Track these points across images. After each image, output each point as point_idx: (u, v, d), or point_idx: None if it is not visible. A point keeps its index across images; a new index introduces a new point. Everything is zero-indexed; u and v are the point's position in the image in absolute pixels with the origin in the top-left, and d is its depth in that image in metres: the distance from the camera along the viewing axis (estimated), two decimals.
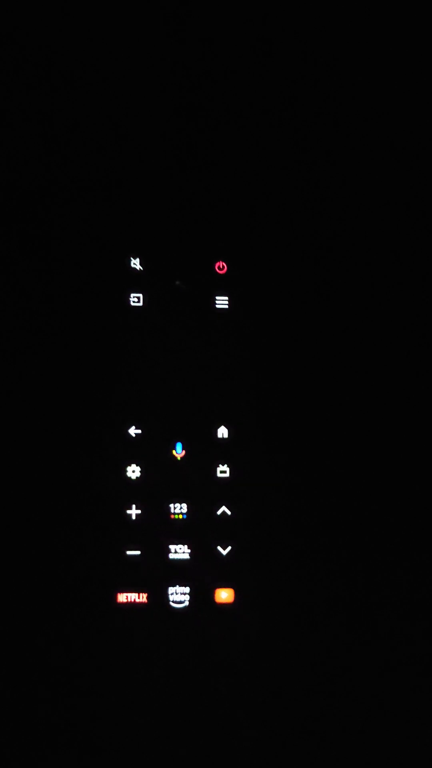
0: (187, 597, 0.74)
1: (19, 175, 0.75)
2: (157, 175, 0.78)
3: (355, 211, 0.80)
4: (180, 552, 0.75)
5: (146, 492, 0.75)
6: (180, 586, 0.74)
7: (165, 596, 0.74)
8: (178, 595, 0.74)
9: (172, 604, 0.74)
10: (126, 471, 0.75)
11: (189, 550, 0.75)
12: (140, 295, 0.77)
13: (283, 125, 0.79)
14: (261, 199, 0.80)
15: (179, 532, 0.75)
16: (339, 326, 0.79)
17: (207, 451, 0.76)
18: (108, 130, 0.77)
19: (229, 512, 0.76)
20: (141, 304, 0.78)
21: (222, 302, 0.78)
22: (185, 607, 0.74)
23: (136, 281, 0.78)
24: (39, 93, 0.76)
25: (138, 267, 0.78)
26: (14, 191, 0.75)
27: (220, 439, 0.77)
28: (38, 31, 0.76)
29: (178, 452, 0.76)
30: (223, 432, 0.77)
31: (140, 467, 0.75)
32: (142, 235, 0.78)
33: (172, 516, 0.75)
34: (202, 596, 0.74)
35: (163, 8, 0.78)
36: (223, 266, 0.79)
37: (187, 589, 0.74)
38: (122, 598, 0.73)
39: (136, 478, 0.75)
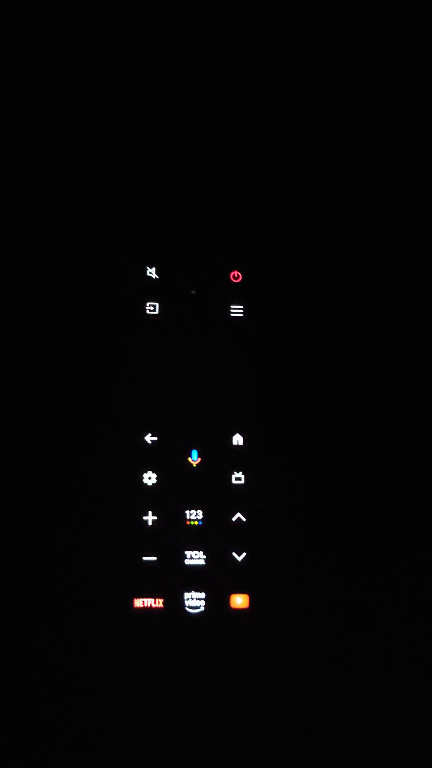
0: (203, 603, 0.75)
1: (32, 183, 0.76)
2: (174, 184, 0.79)
3: (371, 222, 0.81)
4: (195, 558, 0.75)
5: (162, 499, 0.76)
6: (195, 591, 0.75)
7: (181, 602, 0.75)
8: (194, 601, 0.75)
9: (187, 609, 0.75)
10: (142, 478, 0.76)
11: (204, 557, 0.75)
12: (156, 304, 0.78)
13: (286, 127, 0.80)
14: (276, 208, 0.80)
15: (195, 538, 0.76)
16: (354, 335, 0.80)
17: (222, 459, 0.77)
18: (109, 131, 0.78)
19: (244, 519, 0.76)
20: (157, 312, 0.78)
21: (237, 311, 0.79)
22: (200, 612, 0.75)
23: (152, 290, 0.78)
24: (39, 93, 0.77)
25: (154, 276, 0.79)
26: (28, 201, 0.76)
27: (235, 446, 0.77)
28: (38, 31, 0.76)
29: (194, 459, 0.77)
30: (238, 439, 0.77)
31: (156, 474, 0.76)
32: (159, 244, 0.79)
33: (188, 522, 0.76)
34: (217, 602, 0.75)
35: (163, 8, 0.78)
36: (239, 275, 0.80)
37: (202, 595, 0.75)
38: (138, 603, 0.74)
39: (152, 485, 0.76)
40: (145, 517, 0.75)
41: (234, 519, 0.76)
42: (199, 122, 0.79)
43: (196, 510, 0.76)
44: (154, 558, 0.75)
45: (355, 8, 0.78)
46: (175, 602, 0.75)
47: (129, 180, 0.78)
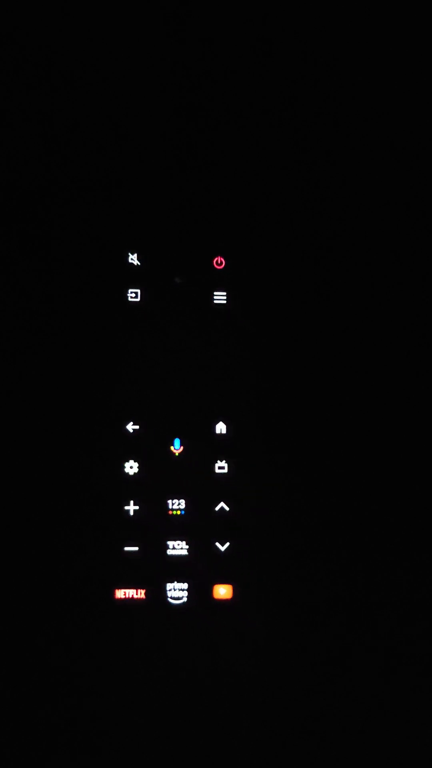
0: (186, 593, 0.74)
1: (17, 171, 0.76)
2: (156, 171, 0.78)
3: (355, 209, 0.80)
4: (178, 548, 0.75)
5: (144, 488, 0.75)
6: (178, 582, 0.74)
7: (163, 592, 0.74)
8: (176, 591, 0.74)
9: (170, 600, 0.74)
10: (124, 467, 0.75)
11: (187, 547, 0.75)
12: (138, 291, 0.77)
13: (282, 125, 0.79)
14: (260, 195, 0.79)
15: (177, 528, 0.75)
16: (338, 322, 0.78)
17: (205, 448, 0.76)
18: (107, 128, 0.77)
19: (227, 508, 0.76)
20: (139, 299, 0.77)
21: (220, 298, 0.78)
22: (183, 603, 0.74)
23: (134, 277, 0.77)
24: (39, 93, 0.76)
25: (136, 262, 0.78)
26: (12, 188, 0.75)
27: (218, 435, 0.76)
28: (38, 31, 0.76)
29: (177, 448, 0.76)
30: (221, 428, 0.76)
31: (138, 463, 0.75)
32: (141, 230, 0.78)
33: (171, 512, 0.75)
34: (200, 592, 0.74)
35: (163, 8, 0.77)
36: (222, 261, 0.79)
37: (185, 585, 0.74)
38: (120, 594, 0.73)
39: (134, 474, 0.75)
40: (126, 507, 0.75)
41: (217, 509, 0.76)
42: (198, 121, 0.78)
43: (178, 499, 0.75)
44: (136, 548, 0.74)
45: (355, 8, 0.78)
46: (157, 593, 0.74)
47: (110, 168, 0.77)
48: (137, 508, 0.75)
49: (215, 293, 0.78)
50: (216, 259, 0.79)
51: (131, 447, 0.75)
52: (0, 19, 0.76)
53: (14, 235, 0.76)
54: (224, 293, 0.78)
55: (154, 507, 0.75)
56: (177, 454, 0.76)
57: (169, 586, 0.74)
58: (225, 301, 0.78)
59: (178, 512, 0.75)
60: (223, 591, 0.74)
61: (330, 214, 0.79)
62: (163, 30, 0.77)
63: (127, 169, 0.78)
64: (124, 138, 0.78)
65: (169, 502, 0.75)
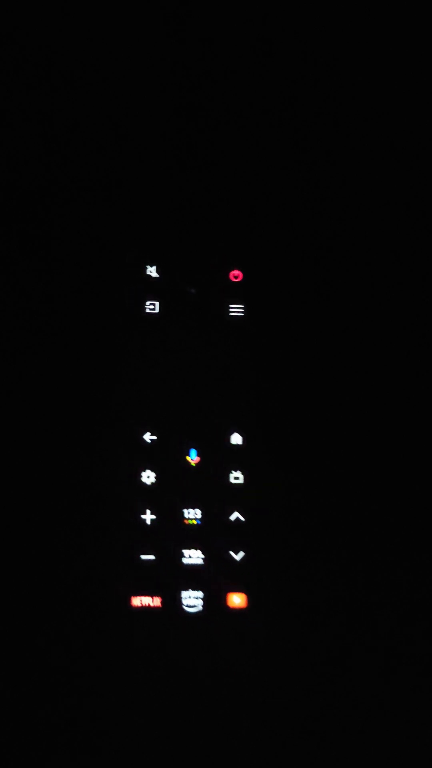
0: (200, 602, 0.75)
1: (33, 182, 0.77)
2: (175, 184, 0.79)
3: (372, 222, 0.81)
4: (193, 557, 0.75)
5: (160, 497, 0.76)
6: (193, 590, 0.75)
7: (178, 600, 0.75)
8: (191, 600, 0.75)
9: (185, 608, 0.75)
10: (141, 476, 0.76)
11: (202, 556, 0.75)
12: (156, 303, 0.78)
13: (285, 127, 0.80)
14: (277, 208, 0.80)
15: (193, 537, 0.76)
16: (353, 335, 0.79)
17: (221, 458, 0.77)
18: (113, 135, 0.78)
19: (242, 518, 0.76)
20: (157, 311, 0.78)
21: (237, 310, 0.79)
22: (198, 611, 0.75)
23: (152, 289, 0.79)
24: (40, 93, 0.77)
25: (154, 274, 0.79)
26: (30, 201, 0.77)
27: (233, 445, 0.77)
28: (38, 31, 0.77)
29: (193, 458, 0.77)
30: (237, 439, 0.78)
31: (155, 473, 0.76)
32: (159, 243, 0.79)
33: (186, 521, 0.76)
34: (214, 601, 0.75)
35: (163, 8, 0.78)
36: (239, 275, 0.80)
37: (200, 594, 0.75)
38: (136, 602, 0.74)
39: (151, 483, 0.76)
40: (143, 516, 0.75)
41: (232, 518, 0.76)
42: (199, 122, 0.79)
43: (194, 509, 0.76)
44: (152, 557, 0.75)
45: (355, 8, 0.78)
46: (172, 601, 0.75)
47: (130, 180, 0.79)
48: (153, 517, 0.76)
49: (231, 306, 0.79)
50: (233, 272, 0.80)
51: (148, 457, 0.76)
52: (0, 19, 0.77)
53: (37, 247, 0.77)
54: (241, 306, 0.79)
55: (170, 516, 0.76)
56: (193, 464, 0.77)
57: (184, 594, 0.75)
58: (242, 314, 0.79)
59: (194, 521, 0.76)
60: (237, 600, 0.75)
61: (347, 225, 0.80)
62: (163, 30, 0.78)
63: (148, 183, 0.79)
64: (140, 148, 0.79)
65: (185, 511, 0.76)
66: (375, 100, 0.79)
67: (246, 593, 0.75)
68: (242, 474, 0.77)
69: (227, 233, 0.80)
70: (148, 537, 0.75)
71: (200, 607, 0.75)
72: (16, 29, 0.76)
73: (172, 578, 0.75)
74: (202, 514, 0.76)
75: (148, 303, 0.78)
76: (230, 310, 0.79)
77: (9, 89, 0.76)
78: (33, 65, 0.76)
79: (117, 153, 0.78)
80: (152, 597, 0.74)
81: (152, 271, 0.79)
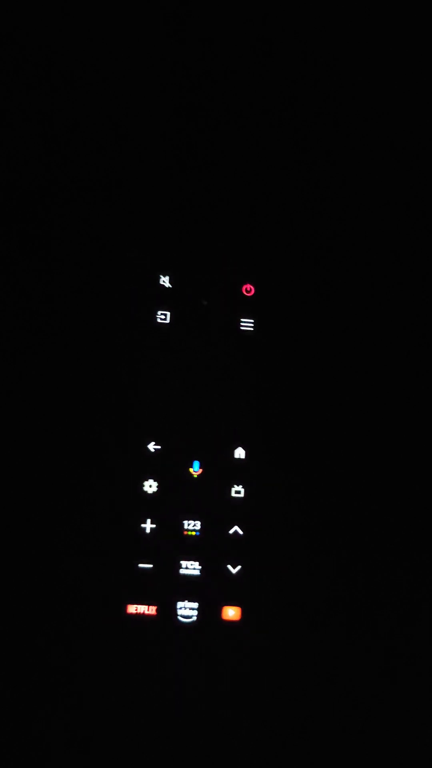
0: (195, 612, 0.76)
1: (43, 190, 0.77)
2: (191, 197, 0.79)
3: (383, 243, 0.81)
4: (191, 568, 0.76)
5: (161, 507, 0.77)
6: (189, 601, 0.76)
7: (173, 610, 0.75)
8: (187, 610, 0.76)
9: (179, 618, 0.76)
10: (143, 485, 0.77)
11: (200, 567, 0.76)
12: (167, 313, 0.79)
13: (286, 127, 0.79)
14: (290, 225, 0.80)
15: (191, 548, 0.77)
16: (359, 356, 0.80)
17: (223, 471, 0.78)
18: (113, 134, 0.78)
19: (241, 532, 0.77)
20: (168, 321, 0.79)
21: (247, 324, 0.80)
22: (192, 622, 0.76)
23: (164, 299, 0.79)
24: (40, 93, 0.77)
25: (167, 285, 0.79)
26: (41, 207, 0.77)
27: (236, 459, 0.78)
28: (38, 31, 0.76)
29: (195, 470, 0.77)
30: (240, 453, 0.78)
31: (157, 483, 0.77)
32: (173, 253, 0.79)
33: (185, 532, 0.77)
34: (209, 613, 0.76)
35: (163, 8, 0.78)
36: (251, 289, 0.80)
37: (195, 605, 0.76)
38: (132, 609, 0.75)
39: (153, 493, 0.77)
40: (143, 525, 0.76)
41: (231, 531, 0.77)
42: (199, 121, 0.78)
43: (194, 520, 0.77)
44: (150, 565, 0.76)
45: (355, 8, 0.78)
46: (167, 610, 0.75)
47: (146, 191, 0.79)
48: (153, 526, 0.76)
49: (242, 320, 0.80)
50: (245, 286, 0.80)
51: (151, 466, 0.77)
52: (0, 19, 0.76)
53: (49, 253, 0.77)
54: (251, 320, 0.80)
55: (170, 526, 0.77)
56: (195, 476, 0.77)
57: (179, 604, 0.76)
58: (252, 328, 0.80)
59: (193, 533, 0.77)
60: (232, 612, 0.76)
61: (360, 252, 0.80)
62: (163, 30, 0.78)
63: (164, 195, 0.79)
64: (159, 164, 0.79)
65: (185, 522, 0.77)
66: (375, 100, 0.79)
67: (240, 606, 0.76)
68: (243, 488, 0.78)
69: (241, 247, 0.80)
70: (146, 546, 0.76)
71: (195, 618, 0.76)
72: (16, 29, 0.75)
73: (169, 588, 0.76)
74: (201, 525, 0.77)
75: (159, 312, 0.79)
76: (241, 324, 0.80)
77: (9, 89, 0.75)
78: (33, 65, 0.76)
79: (121, 149, 0.78)
80: (147, 605, 0.75)
81: (165, 281, 0.79)
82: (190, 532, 0.77)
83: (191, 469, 0.77)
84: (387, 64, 0.80)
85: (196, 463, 0.77)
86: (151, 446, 0.77)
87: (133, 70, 0.77)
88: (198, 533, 0.77)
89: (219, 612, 0.76)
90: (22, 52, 0.76)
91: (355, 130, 0.80)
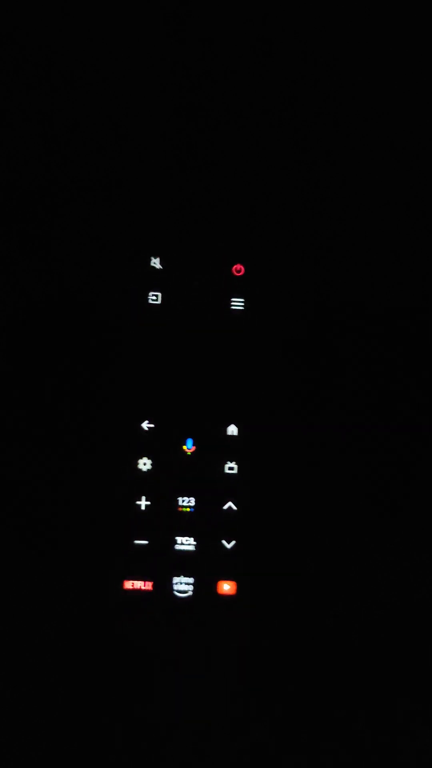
0: (191, 587, 0.77)
1: (37, 178, 0.79)
2: (179, 180, 0.81)
3: (371, 220, 0.82)
4: (186, 544, 0.77)
5: (156, 484, 0.78)
6: (184, 576, 0.77)
7: (169, 585, 0.77)
8: (182, 585, 0.77)
9: (175, 593, 0.77)
10: (138, 463, 0.78)
11: (194, 543, 0.77)
12: (159, 294, 0.80)
13: (286, 126, 0.81)
14: (279, 205, 0.82)
15: (186, 524, 0.78)
16: (351, 332, 0.81)
17: (216, 448, 0.79)
18: (116, 134, 0.80)
19: (234, 507, 0.78)
20: (159, 302, 0.80)
21: (238, 304, 0.81)
22: (188, 596, 0.77)
23: (155, 280, 0.80)
24: (40, 93, 0.79)
25: (158, 266, 0.81)
26: (33, 192, 0.79)
27: (229, 436, 0.79)
28: (38, 31, 0.78)
29: (189, 447, 0.79)
30: (232, 430, 0.79)
31: (151, 460, 0.78)
32: (163, 235, 0.81)
33: (180, 509, 0.78)
34: (205, 587, 0.77)
35: (163, 8, 0.79)
36: (241, 269, 0.81)
37: (191, 580, 0.77)
38: (128, 585, 0.76)
39: (147, 470, 0.78)
40: (138, 502, 0.77)
41: (225, 507, 0.78)
42: (200, 120, 0.80)
43: (188, 497, 0.78)
44: (146, 542, 0.77)
45: (355, 8, 0.79)
46: (164, 585, 0.77)
47: (136, 174, 0.80)
48: (149, 503, 0.78)
49: (233, 299, 0.81)
50: (235, 266, 0.81)
51: (145, 444, 0.78)
52: (0, 19, 0.78)
53: (41, 236, 0.79)
54: (242, 300, 0.81)
55: (165, 503, 0.78)
56: (189, 453, 0.79)
57: (175, 579, 0.77)
58: (242, 308, 0.81)
59: (188, 509, 0.78)
60: (227, 587, 0.77)
61: (348, 230, 0.81)
62: (163, 30, 0.79)
63: (153, 177, 0.80)
64: (147, 147, 0.80)
65: (180, 499, 0.78)
66: (375, 100, 0.80)
67: (235, 581, 0.77)
68: (236, 464, 0.79)
69: (231, 228, 0.81)
70: (142, 522, 0.77)
71: (191, 593, 0.77)
72: (16, 29, 0.77)
73: (165, 563, 0.77)
74: (195, 502, 0.78)
75: (150, 294, 0.80)
76: (231, 303, 0.81)
77: (9, 89, 0.77)
78: (33, 65, 0.77)
79: (121, 149, 0.80)
80: (144, 581, 0.77)
81: (156, 262, 0.81)
82: (184, 509, 0.78)
83: (185, 447, 0.79)
84: (387, 64, 0.81)
85: (190, 441, 0.79)
86: (145, 425, 0.79)
87: (133, 70, 0.79)
88: (192, 509, 0.78)
89: (214, 586, 0.77)
90: (22, 52, 0.78)
91: (349, 117, 0.81)
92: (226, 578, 0.77)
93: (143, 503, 0.78)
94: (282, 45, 0.79)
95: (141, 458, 0.78)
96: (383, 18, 0.79)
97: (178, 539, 0.77)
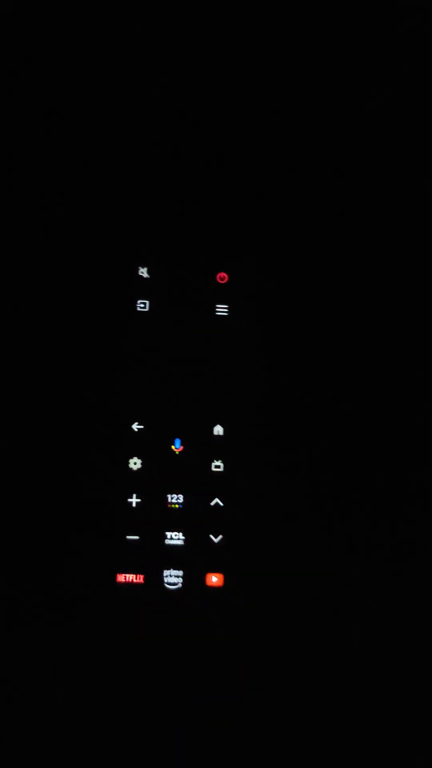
0: (181, 579, 0.81)
1: (31, 186, 0.82)
2: (166, 192, 0.84)
3: (355, 223, 0.85)
4: (175, 538, 0.81)
5: (146, 483, 0.82)
6: (174, 569, 0.81)
7: (160, 578, 0.81)
8: (173, 578, 0.81)
9: (166, 585, 0.81)
10: (129, 463, 0.82)
11: (183, 537, 0.81)
12: (147, 302, 0.84)
13: (279, 131, 0.84)
14: (262, 214, 0.85)
15: (175, 520, 0.82)
16: (334, 336, 0.85)
17: (203, 447, 0.83)
18: (100, 147, 0.83)
19: (221, 504, 0.82)
20: (147, 309, 0.84)
21: (222, 310, 0.85)
22: (178, 588, 0.81)
23: (143, 289, 0.84)
24: (39, 93, 0.81)
25: (146, 275, 0.84)
26: (26, 202, 0.82)
27: (216, 436, 0.83)
28: (38, 30, 0.81)
29: (177, 447, 0.83)
30: (218, 430, 0.83)
31: (141, 460, 0.82)
32: (151, 246, 0.85)
33: (169, 506, 0.82)
34: (194, 579, 0.81)
35: (163, 8, 0.82)
36: (225, 277, 0.85)
37: (180, 573, 0.81)
38: (121, 578, 0.80)
39: (138, 469, 0.82)
40: (129, 499, 0.81)
41: (212, 503, 0.82)
42: (188, 130, 0.83)
43: (177, 494, 0.82)
44: (137, 537, 0.81)
45: (355, 8, 0.81)
46: (155, 578, 0.81)
47: (124, 189, 0.84)
48: (139, 500, 0.81)
49: (217, 306, 0.85)
50: (219, 274, 0.85)
51: (136, 445, 0.82)
52: (0, 20, 0.81)
53: (34, 248, 0.83)
54: (226, 306, 0.85)
55: (155, 500, 0.82)
56: (177, 452, 0.82)
57: (166, 572, 0.81)
58: (226, 313, 0.85)
59: (177, 506, 0.82)
60: (215, 579, 0.81)
61: (330, 230, 0.85)
62: (162, 30, 0.82)
63: (141, 190, 0.84)
64: (135, 159, 0.84)
65: (169, 496, 0.82)
66: (375, 100, 0.83)
67: (223, 573, 0.81)
68: (223, 463, 0.83)
69: (214, 238, 0.85)
70: (134, 519, 0.81)
71: (180, 585, 0.81)
72: (16, 29, 0.80)
73: (155, 557, 0.81)
74: (184, 498, 0.82)
75: (139, 302, 0.84)
76: (216, 309, 0.85)
77: (9, 89, 0.80)
78: (33, 65, 0.80)
79: (109, 162, 0.83)
80: (136, 575, 0.80)
81: (144, 272, 0.84)
82: (173, 505, 0.82)
83: (173, 447, 0.83)
84: (387, 64, 0.84)
85: (178, 441, 0.83)
86: (135, 426, 0.82)
87: (133, 69, 0.81)
88: (181, 506, 0.82)
89: (203, 578, 0.81)
90: (22, 52, 0.81)
91: (355, 129, 0.84)
92: (214, 571, 0.81)
93: (134, 501, 0.81)
94: (282, 45, 0.81)
95: (132, 458, 0.82)
96: (383, 18, 0.81)
97: (168, 534, 0.81)
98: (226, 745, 0.79)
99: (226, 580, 0.81)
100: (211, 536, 0.82)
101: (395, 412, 0.84)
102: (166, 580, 0.81)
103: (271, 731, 0.79)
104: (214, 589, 0.81)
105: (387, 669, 0.80)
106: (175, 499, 0.82)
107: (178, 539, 0.81)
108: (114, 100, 0.84)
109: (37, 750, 0.77)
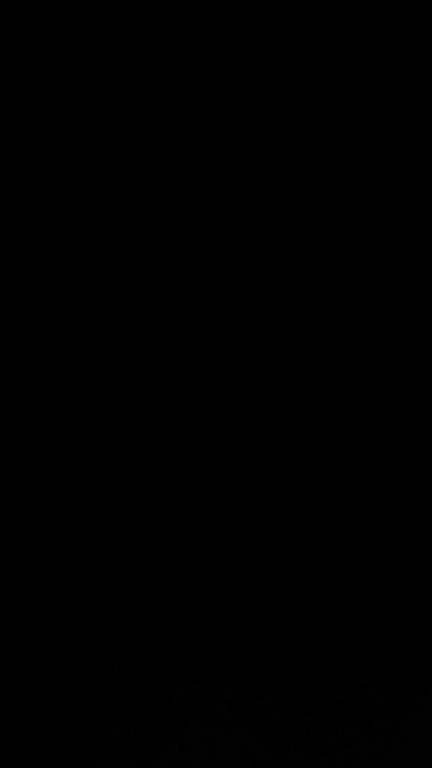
0: None
1: (30, 178, 0.82)
2: (166, 187, 0.84)
3: (355, 223, 0.85)
4: None
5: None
6: None
7: None
8: None
9: None
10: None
11: None
12: (144, 286, 0.84)
13: (283, 126, 0.84)
14: (261, 212, 0.85)
15: None
16: (333, 336, 0.85)
17: (201, 436, 0.83)
18: (112, 132, 0.83)
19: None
20: (147, 310, 0.84)
21: (221, 294, 0.84)
22: None
23: (140, 272, 0.84)
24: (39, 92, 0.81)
25: (152, 261, 0.84)
26: (27, 193, 0.82)
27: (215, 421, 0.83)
28: (38, 30, 0.79)
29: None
30: (216, 417, 0.83)
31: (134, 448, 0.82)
32: (147, 230, 0.84)
33: None
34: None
35: (163, 8, 0.81)
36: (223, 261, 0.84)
37: None
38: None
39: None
40: None
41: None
42: (173, 121, 0.83)
43: None
44: None
45: (355, 8, 0.81)
46: None
47: (125, 185, 0.84)
48: None
49: (224, 294, 0.84)
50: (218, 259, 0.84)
51: (127, 432, 0.82)
52: (0, 21, 0.79)
53: (38, 236, 0.83)
54: (224, 290, 0.84)
55: None
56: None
57: None
58: (225, 298, 0.84)
59: None
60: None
61: (334, 233, 0.85)
62: (162, 30, 0.81)
63: (140, 186, 0.84)
64: (137, 154, 0.84)
65: None
66: (374, 99, 0.83)
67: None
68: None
69: (214, 236, 0.84)
70: None
71: None
72: (16, 29, 0.79)
73: None
74: None
75: (138, 302, 0.84)
76: (224, 297, 0.84)
77: (9, 89, 0.80)
78: (33, 65, 0.79)
79: (103, 168, 0.83)
80: None
81: (149, 257, 0.84)
82: None
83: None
84: (387, 64, 0.83)
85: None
86: (127, 413, 0.83)
87: (133, 69, 0.81)
88: None
89: None
90: (22, 52, 0.80)
91: (355, 129, 0.84)
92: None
93: None
94: (282, 44, 0.81)
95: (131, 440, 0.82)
96: (383, 18, 0.81)
97: None
98: (226, 743, 0.79)
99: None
100: None
101: (402, 405, 0.84)
102: None
103: (271, 728, 0.79)
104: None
105: (387, 669, 0.81)
106: None
107: None
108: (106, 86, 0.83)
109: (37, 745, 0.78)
